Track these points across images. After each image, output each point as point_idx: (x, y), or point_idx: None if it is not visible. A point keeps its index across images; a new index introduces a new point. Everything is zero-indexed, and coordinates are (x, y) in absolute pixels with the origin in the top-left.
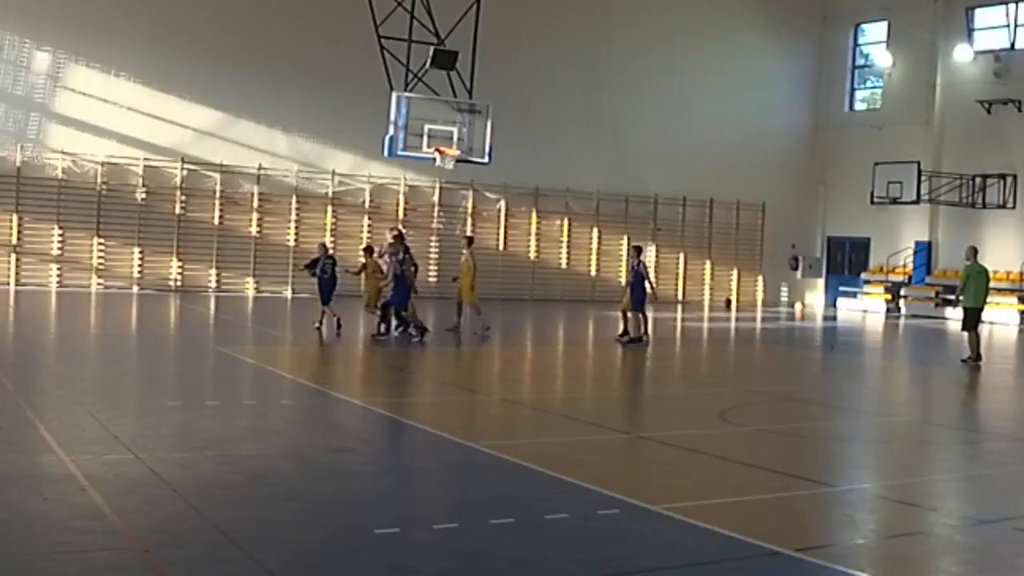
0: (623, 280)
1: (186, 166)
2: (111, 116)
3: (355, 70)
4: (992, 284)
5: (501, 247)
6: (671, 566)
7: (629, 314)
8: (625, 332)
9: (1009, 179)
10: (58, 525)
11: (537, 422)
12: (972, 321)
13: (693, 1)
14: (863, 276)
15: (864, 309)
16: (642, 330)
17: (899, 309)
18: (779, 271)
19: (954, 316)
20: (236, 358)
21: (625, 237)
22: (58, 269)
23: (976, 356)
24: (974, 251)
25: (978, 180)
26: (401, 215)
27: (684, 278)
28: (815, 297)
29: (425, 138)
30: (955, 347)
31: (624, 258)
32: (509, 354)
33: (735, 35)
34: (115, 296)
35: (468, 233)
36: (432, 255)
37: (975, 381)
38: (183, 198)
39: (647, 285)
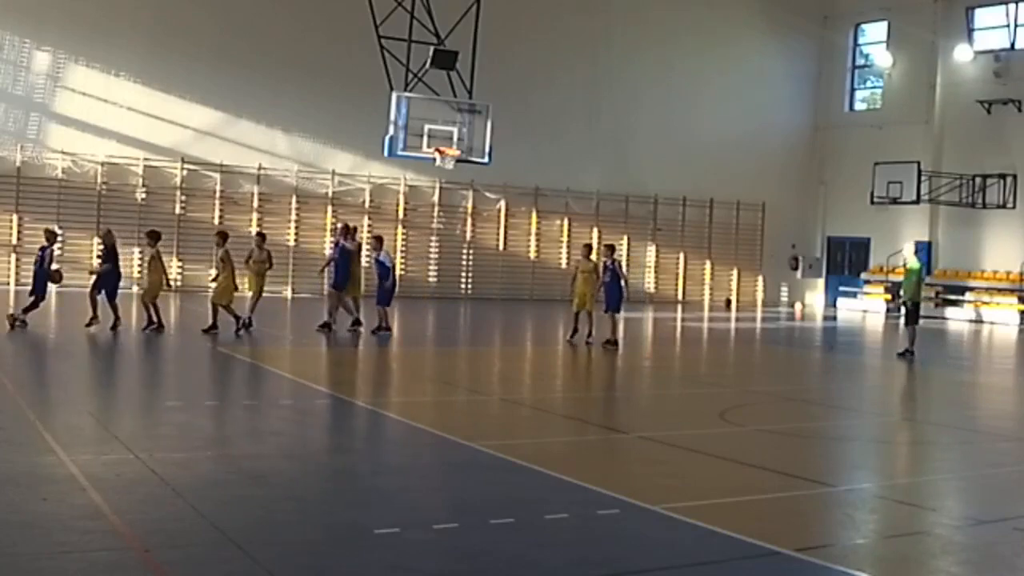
0: (576, 274)
1: (186, 166)
2: (111, 116)
3: (355, 70)
4: (992, 284)
5: (501, 247)
6: (671, 566)
7: (609, 315)
8: (590, 333)
9: (1009, 179)
10: (58, 525)
11: (537, 422)
12: (916, 316)
13: (693, 1)
14: (863, 276)
15: (864, 309)
16: (584, 331)
17: (899, 309)
18: (779, 271)
19: (955, 316)
20: (236, 358)
21: (625, 237)
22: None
23: (912, 350)
24: (916, 248)
25: (978, 180)
26: (401, 215)
27: (684, 278)
28: (815, 297)
29: (425, 138)
30: (955, 347)
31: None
32: (508, 354)
33: (735, 35)
34: None
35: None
36: (432, 255)
37: (975, 381)
38: (183, 198)
39: (623, 285)
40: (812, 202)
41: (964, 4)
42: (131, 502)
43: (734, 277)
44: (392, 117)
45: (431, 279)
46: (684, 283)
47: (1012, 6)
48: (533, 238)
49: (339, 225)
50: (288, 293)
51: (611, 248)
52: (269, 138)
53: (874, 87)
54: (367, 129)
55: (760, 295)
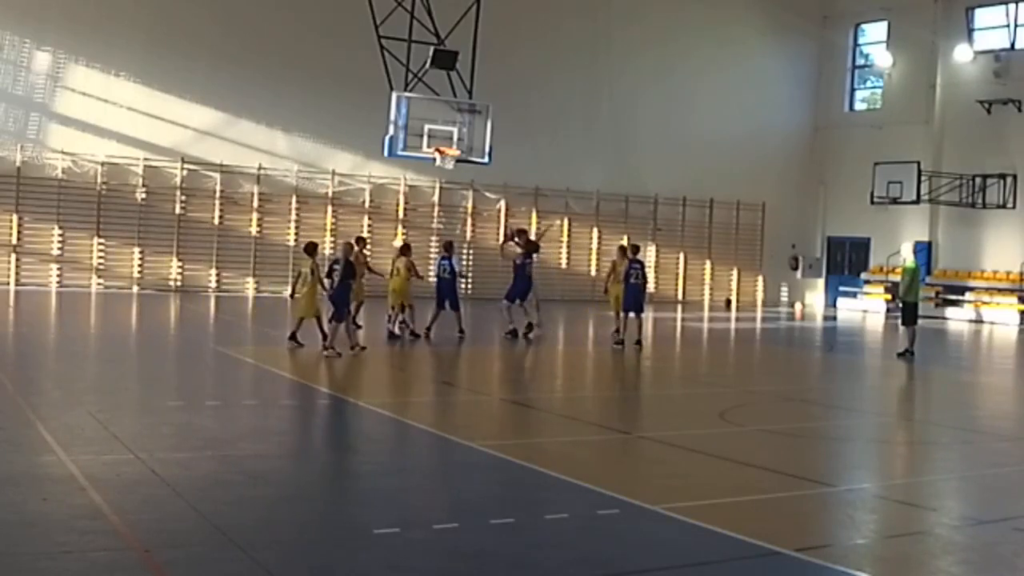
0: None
1: (186, 166)
2: (111, 116)
3: (355, 70)
4: (992, 284)
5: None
6: (671, 566)
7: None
8: (618, 331)
9: (1009, 179)
10: (58, 525)
11: (537, 422)
12: (915, 316)
13: (693, 1)
14: (863, 276)
15: (864, 309)
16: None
17: (899, 309)
18: (779, 271)
19: (955, 316)
20: (236, 358)
21: (625, 237)
22: (58, 269)
23: (912, 350)
24: (914, 248)
25: (978, 180)
26: (401, 215)
27: (684, 278)
28: (815, 297)
29: (425, 138)
30: (954, 347)
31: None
32: (508, 354)
33: (735, 35)
34: (115, 296)
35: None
36: (432, 255)
37: (975, 381)
38: (183, 198)
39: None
40: (812, 202)
41: (964, 4)
42: (131, 502)
43: (734, 277)
44: (392, 117)
45: (431, 279)
46: (684, 283)
47: (1012, 6)
48: (533, 238)
49: (515, 229)
50: (288, 294)
51: (636, 248)
52: (269, 138)
53: (874, 87)
54: (367, 129)
55: (760, 295)
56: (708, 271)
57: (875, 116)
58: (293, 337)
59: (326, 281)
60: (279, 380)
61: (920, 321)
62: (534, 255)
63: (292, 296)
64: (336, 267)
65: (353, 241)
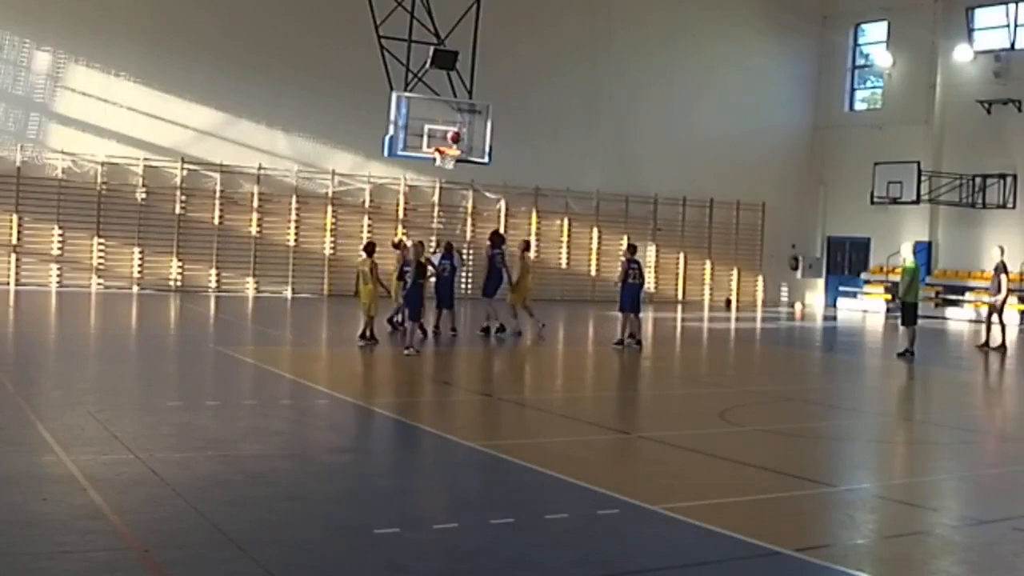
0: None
1: (186, 166)
2: (111, 116)
3: (355, 70)
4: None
5: None
6: (671, 566)
7: (630, 316)
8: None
9: (1009, 179)
10: (58, 525)
11: (537, 422)
12: (914, 316)
13: (693, 1)
14: (863, 276)
15: (864, 309)
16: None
17: (899, 309)
18: (779, 271)
19: (955, 316)
20: (236, 358)
21: (625, 237)
22: (58, 269)
23: (912, 350)
24: (914, 248)
25: (978, 180)
26: (401, 215)
27: (684, 278)
28: (815, 297)
29: (425, 138)
30: (954, 346)
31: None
32: (507, 354)
33: (735, 35)
34: (115, 296)
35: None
36: (432, 255)
37: (975, 382)
38: (183, 198)
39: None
40: (812, 202)
41: (964, 4)
42: (131, 502)
43: (734, 277)
44: (392, 117)
45: (430, 279)
46: (684, 283)
47: (1012, 6)
48: (533, 238)
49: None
50: (288, 293)
51: (633, 249)
52: (269, 138)
53: (874, 87)
54: (367, 129)
55: (760, 295)
56: (708, 271)
57: (875, 116)
58: (363, 335)
59: (397, 283)
60: (279, 380)
61: (920, 321)
62: (503, 247)
63: (356, 294)
64: (407, 269)
65: (411, 242)
